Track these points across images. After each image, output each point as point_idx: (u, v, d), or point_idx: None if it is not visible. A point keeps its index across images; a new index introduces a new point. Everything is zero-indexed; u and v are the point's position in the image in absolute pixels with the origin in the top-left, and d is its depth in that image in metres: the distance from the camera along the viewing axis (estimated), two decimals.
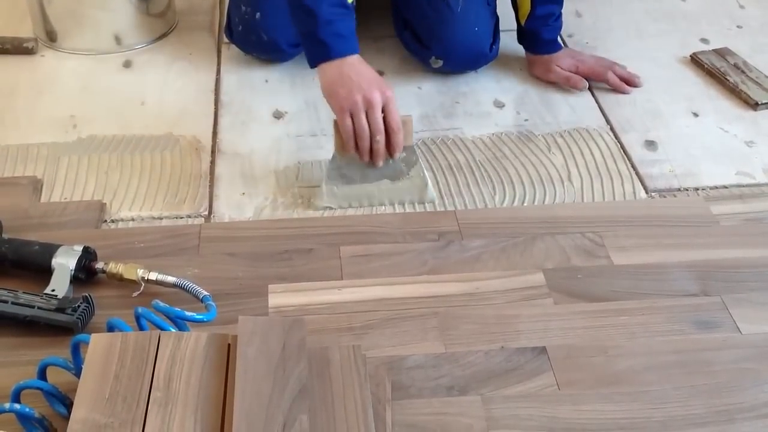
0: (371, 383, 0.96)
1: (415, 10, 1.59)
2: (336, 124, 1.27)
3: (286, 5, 1.48)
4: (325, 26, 1.27)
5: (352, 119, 1.24)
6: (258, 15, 1.56)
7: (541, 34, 1.58)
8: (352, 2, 1.35)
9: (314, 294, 1.14)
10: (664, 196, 1.35)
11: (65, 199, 1.32)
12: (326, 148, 1.43)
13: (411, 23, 1.60)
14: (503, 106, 1.56)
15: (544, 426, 0.97)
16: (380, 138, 1.25)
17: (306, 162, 1.40)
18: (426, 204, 1.32)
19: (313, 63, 1.30)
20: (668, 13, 1.83)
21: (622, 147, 1.45)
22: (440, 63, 1.58)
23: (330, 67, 1.27)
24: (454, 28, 1.54)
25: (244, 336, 0.92)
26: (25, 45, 1.67)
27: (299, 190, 1.34)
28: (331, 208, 1.30)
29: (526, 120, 1.52)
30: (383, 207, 1.31)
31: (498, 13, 1.62)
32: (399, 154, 1.27)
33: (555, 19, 1.58)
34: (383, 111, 1.24)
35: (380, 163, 1.27)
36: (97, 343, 0.91)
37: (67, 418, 0.90)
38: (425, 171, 1.32)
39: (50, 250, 1.13)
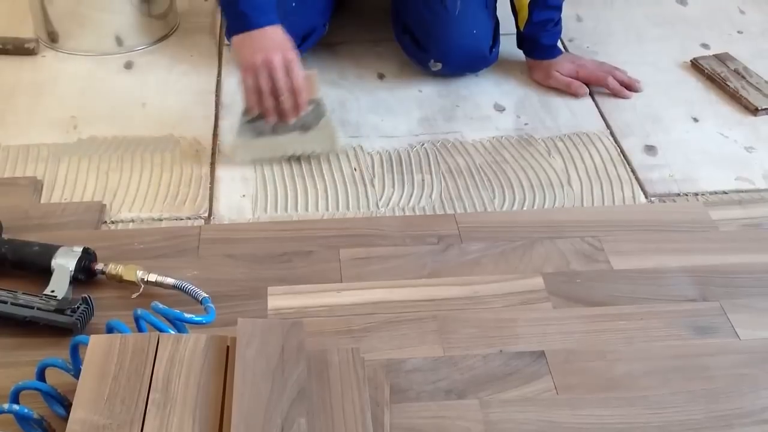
0: (370, 386, 0.96)
1: (413, 13, 1.59)
2: None
3: (286, 7, 1.49)
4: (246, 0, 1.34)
5: (256, 79, 1.32)
6: None
7: (540, 39, 1.59)
8: None
9: (313, 296, 1.14)
10: (664, 201, 1.35)
11: (65, 199, 1.32)
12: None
13: (409, 27, 1.60)
14: (503, 109, 1.56)
15: (542, 430, 0.97)
16: (286, 97, 1.32)
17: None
18: (425, 207, 1.32)
19: (233, 33, 1.36)
20: (669, 18, 1.84)
21: (622, 152, 1.45)
22: (439, 66, 1.58)
23: (243, 35, 1.34)
24: (451, 30, 1.54)
25: (243, 338, 0.92)
26: (26, 45, 1.67)
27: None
28: (247, 163, 1.37)
29: (526, 124, 1.52)
30: (381, 210, 1.31)
31: (498, 16, 1.62)
32: (303, 112, 1.35)
33: (554, 25, 1.58)
34: (287, 73, 1.32)
35: (291, 121, 1.35)
36: (96, 345, 0.92)
37: (65, 419, 0.90)
38: (333, 122, 1.40)
39: (50, 250, 1.13)
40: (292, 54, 1.33)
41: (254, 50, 1.32)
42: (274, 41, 1.33)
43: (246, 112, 1.36)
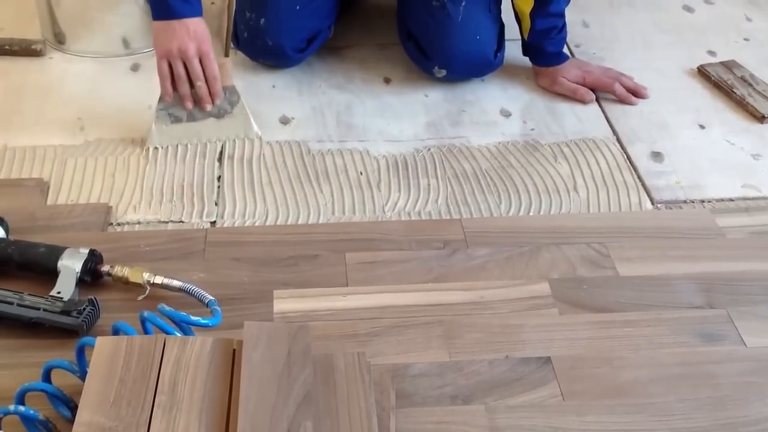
0: (375, 390, 0.96)
1: (416, 20, 1.59)
2: None
3: (290, 11, 1.49)
4: None
5: (170, 66, 1.39)
6: (263, 21, 1.56)
7: (544, 47, 1.59)
8: None
9: (319, 300, 1.14)
10: (670, 208, 1.35)
11: (72, 201, 1.32)
12: (332, 151, 1.44)
13: (413, 34, 1.60)
14: (510, 115, 1.56)
15: None
16: (200, 84, 1.40)
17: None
18: (431, 212, 1.32)
19: (154, 18, 1.41)
20: (675, 25, 1.84)
21: (629, 158, 1.45)
22: (444, 73, 1.58)
23: (164, 23, 1.39)
24: (455, 37, 1.54)
25: (249, 341, 0.92)
26: (33, 47, 1.68)
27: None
28: (162, 148, 1.41)
29: (532, 129, 1.52)
30: (387, 214, 1.31)
31: (504, 20, 1.62)
32: (218, 100, 1.42)
33: (558, 32, 1.58)
34: (201, 63, 1.39)
35: (207, 107, 1.42)
36: (102, 347, 0.92)
37: (71, 421, 0.90)
38: (247, 108, 1.45)
39: (56, 252, 1.13)
40: (207, 46, 1.39)
41: (171, 39, 1.38)
42: (192, 32, 1.38)
43: (161, 99, 1.42)
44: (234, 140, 1.46)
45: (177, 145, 1.44)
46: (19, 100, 1.56)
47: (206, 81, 1.41)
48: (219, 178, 1.38)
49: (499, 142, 1.48)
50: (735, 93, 1.59)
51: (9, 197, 1.30)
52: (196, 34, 1.39)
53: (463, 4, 1.53)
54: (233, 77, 1.45)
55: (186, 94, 1.41)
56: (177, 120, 1.43)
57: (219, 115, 1.44)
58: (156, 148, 1.42)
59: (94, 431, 0.83)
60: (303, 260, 1.20)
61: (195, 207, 1.32)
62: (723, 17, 1.87)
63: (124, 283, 1.13)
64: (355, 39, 1.74)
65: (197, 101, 1.42)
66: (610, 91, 1.59)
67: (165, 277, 1.11)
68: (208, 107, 1.43)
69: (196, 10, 1.40)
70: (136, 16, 1.69)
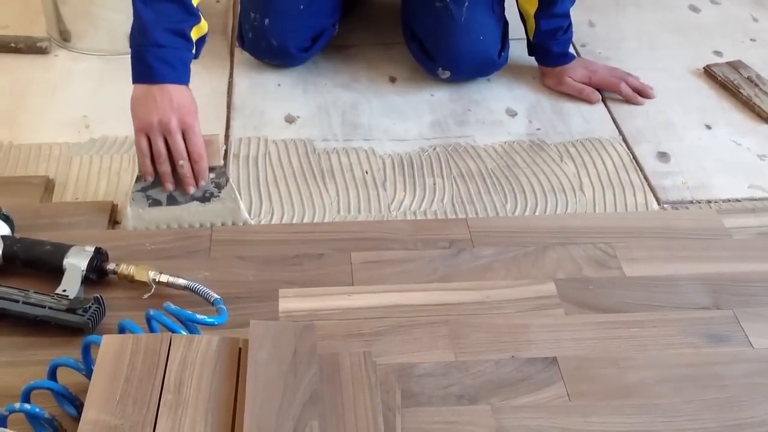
0: (381, 390, 0.96)
1: (420, 21, 1.59)
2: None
3: (294, 10, 1.47)
4: (155, 49, 1.22)
5: (149, 142, 1.22)
6: (267, 21, 1.56)
7: (550, 48, 1.58)
8: (199, 38, 1.29)
9: (325, 299, 1.13)
10: (677, 208, 1.34)
11: (77, 199, 1.32)
12: (337, 150, 1.44)
13: (417, 35, 1.60)
14: (515, 114, 1.56)
15: None
16: (183, 163, 1.22)
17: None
18: (437, 211, 1.32)
19: (135, 80, 1.24)
20: (681, 25, 1.83)
21: (635, 158, 1.44)
22: (448, 74, 1.58)
23: (143, 87, 1.23)
24: (458, 38, 1.54)
25: (255, 340, 0.91)
26: (38, 45, 1.68)
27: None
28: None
29: (538, 129, 1.52)
30: (393, 214, 1.31)
31: (508, 19, 1.61)
32: (203, 182, 1.25)
33: (563, 33, 1.57)
34: (185, 138, 1.22)
35: (190, 190, 1.24)
36: (108, 345, 0.91)
37: (76, 419, 0.90)
38: (237, 192, 1.28)
39: (62, 250, 1.13)
40: (192, 119, 1.22)
41: (151, 110, 1.21)
42: (174, 102, 1.21)
43: (139, 178, 1.25)
44: (240, 138, 1.46)
45: None
46: (25, 97, 1.56)
47: (190, 160, 1.23)
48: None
49: (505, 142, 1.48)
50: (741, 93, 1.59)
51: (15, 195, 1.29)
52: (179, 104, 1.21)
53: (466, 4, 1.53)
54: (221, 157, 1.31)
55: (166, 173, 1.23)
56: (156, 203, 1.24)
57: (204, 198, 1.25)
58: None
59: (99, 429, 0.83)
60: (308, 259, 1.20)
61: None
62: (729, 17, 1.87)
63: (130, 282, 1.12)
64: (361, 38, 1.74)
65: (179, 183, 1.25)
66: (617, 91, 1.58)
67: (170, 275, 1.11)
68: (191, 190, 1.24)
69: (181, 77, 1.24)
70: None
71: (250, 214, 1.30)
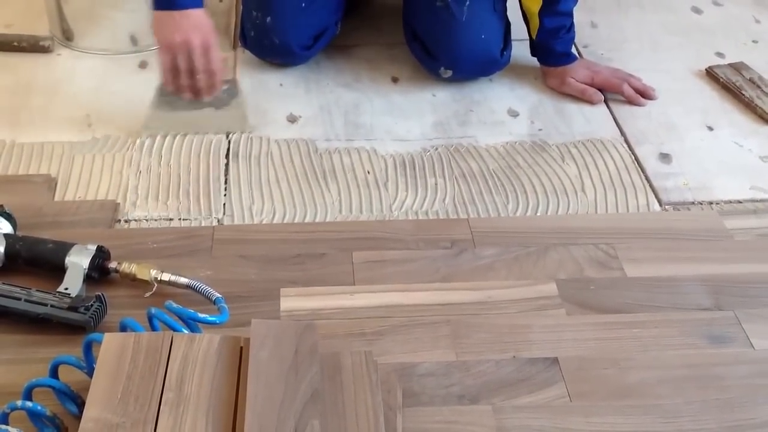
0: (382, 390, 0.96)
1: (421, 21, 1.59)
2: None
3: (296, 8, 1.48)
4: None
5: (174, 59, 1.37)
6: (269, 19, 1.56)
7: (553, 47, 1.58)
8: None
9: (326, 299, 1.14)
10: (678, 209, 1.34)
11: (79, 197, 1.32)
12: (339, 149, 1.44)
13: (418, 34, 1.60)
14: (517, 115, 1.56)
15: None
16: (202, 76, 1.38)
17: None
18: (438, 211, 1.32)
19: (156, 7, 1.39)
20: (684, 26, 1.83)
21: (637, 159, 1.45)
22: (449, 73, 1.58)
23: (165, 13, 1.38)
24: (459, 37, 1.54)
25: (257, 339, 0.92)
26: (41, 43, 1.68)
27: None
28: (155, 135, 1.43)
29: (540, 129, 1.52)
30: (394, 214, 1.31)
31: (510, 19, 1.61)
32: (217, 92, 1.42)
33: (566, 32, 1.57)
34: (204, 54, 1.37)
35: (206, 99, 1.42)
36: (110, 343, 0.91)
37: (78, 417, 0.90)
38: (246, 103, 1.48)
39: (64, 248, 1.13)
40: (212, 37, 1.38)
41: (174, 30, 1.36)
42: (195, 23, 1.37)
43: (162, 87, 1.42)
44: (241, 137, 1.46)
45: (183, 142, 1.44)
46: (27, 96, 1.56)
47: (208, 72, 1.39)
48: (226, 175, 1.38)
49: (507, 142, 1.48)
50: (743, 95, 1.59)
51: (17, 193, 1.30)
52: (201, 25, 1.37)
53: (467, 3, 1.52)
54: (237, 71, 1.47)
55: (186, 86, 1.40)
56: (174, 108, 1.43)
57: (217, 106, 1.44)
58: (156, 138, 1.43)
59: (101, 427, 0.83)
60: (310, 258, 1.20)
61: (202, 204, 1.32)
62: (731, 19, 1.87)
63: (132, 280, 1.13)
64: (363, 38, 1.74)
65: (195, 92, 1.41)
66: (619, 91, 1.58)
67: (172, 274, 1.11)
68: (207, 99, 1.42)
69: (197, 2, 1.38)
70: (144, 13, 1.68)
71: (252, 214, 1.30)
